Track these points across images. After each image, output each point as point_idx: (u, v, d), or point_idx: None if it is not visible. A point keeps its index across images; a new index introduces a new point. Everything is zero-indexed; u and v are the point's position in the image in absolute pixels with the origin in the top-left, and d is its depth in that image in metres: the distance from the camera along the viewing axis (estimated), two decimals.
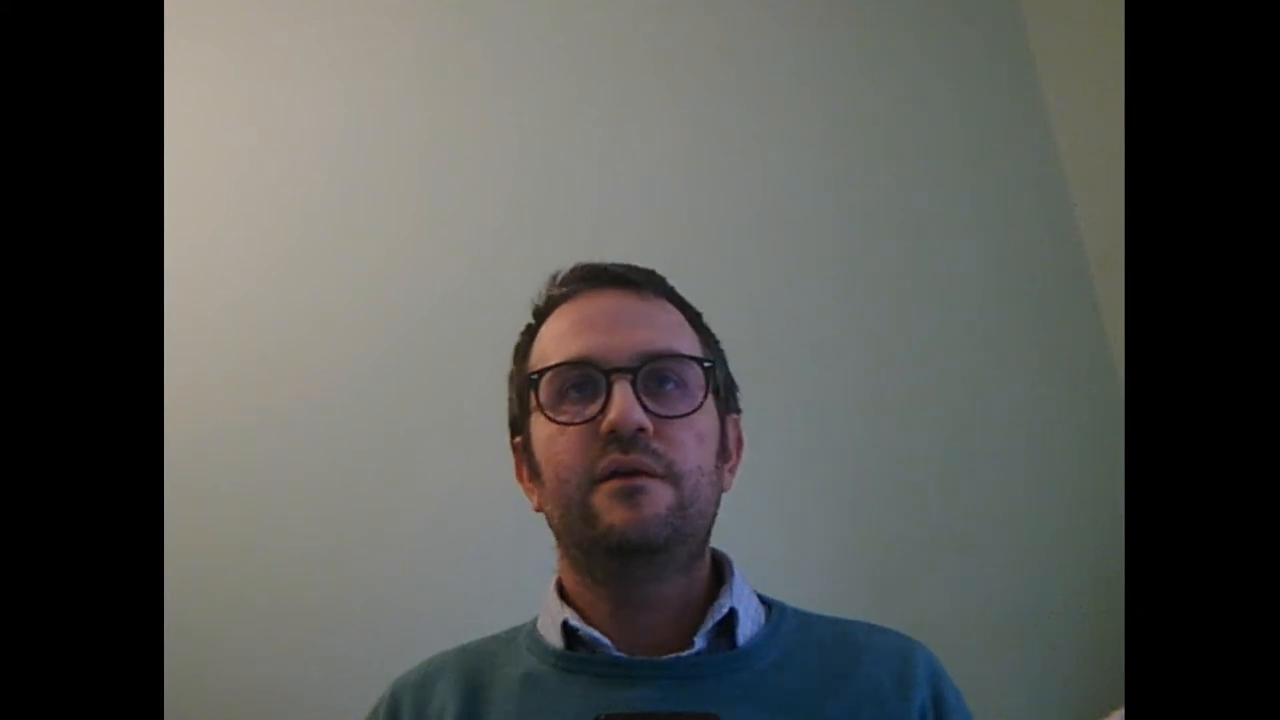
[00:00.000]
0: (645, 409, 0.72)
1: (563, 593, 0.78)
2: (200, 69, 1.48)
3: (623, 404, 0.71)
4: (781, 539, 1.36)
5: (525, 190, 1.50)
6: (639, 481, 0.70)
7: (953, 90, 1.61)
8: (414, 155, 1.51)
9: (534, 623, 0.80)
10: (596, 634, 0.73)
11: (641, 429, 0.71)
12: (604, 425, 0.71)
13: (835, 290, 1.50)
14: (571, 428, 0.73)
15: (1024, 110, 1.61)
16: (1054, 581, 1.40)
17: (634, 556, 0.71)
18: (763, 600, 0.81)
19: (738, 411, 0.83)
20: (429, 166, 1.51)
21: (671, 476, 0.71)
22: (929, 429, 1.46)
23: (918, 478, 1.44)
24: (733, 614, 0.74)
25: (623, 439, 0.70)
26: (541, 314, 0.82)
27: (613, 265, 0.81)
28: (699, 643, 0.72)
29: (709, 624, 0.73)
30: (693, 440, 0.74)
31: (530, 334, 0.82)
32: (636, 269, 0.81)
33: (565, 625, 0.74)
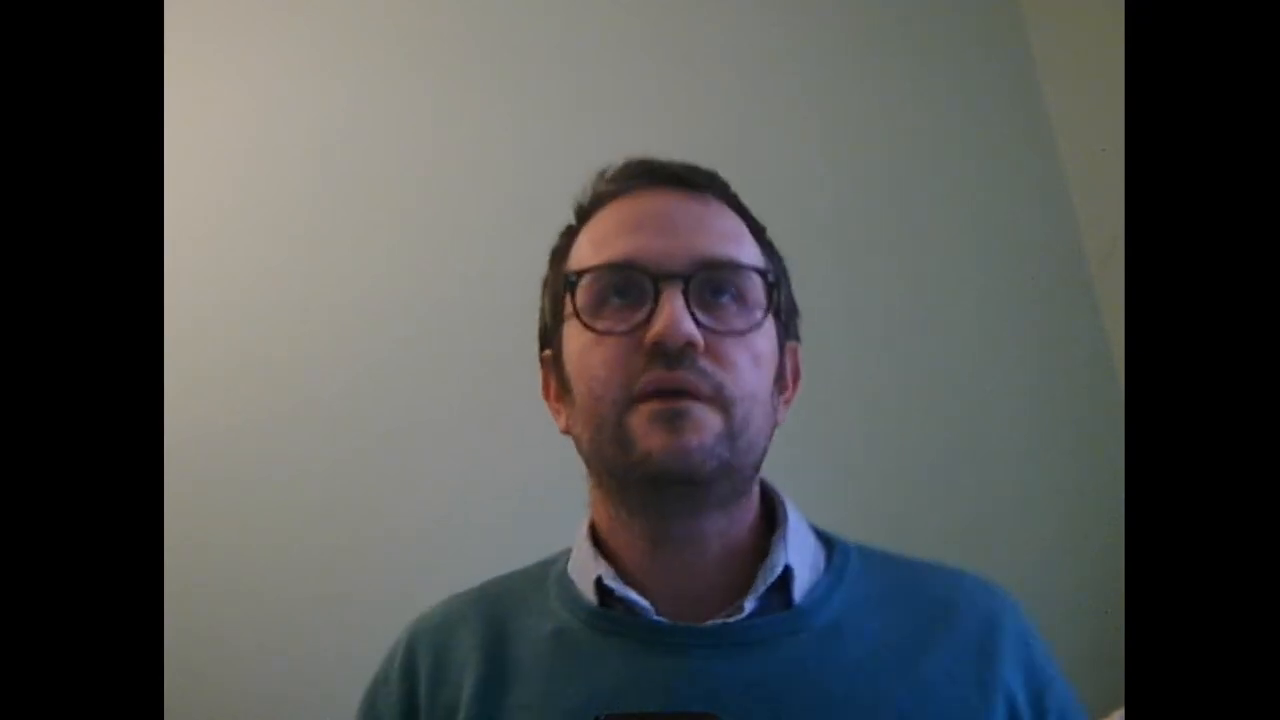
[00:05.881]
0: (697, 322, 0.63)
1: (596, 535, 0.70)
2: (200, 68, 1.48)
3: (672, 314, 0.62)
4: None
5: (527, 189, 1.50)
6: (683, 404, 0.62)
7: (953, 90, 1.61)
8: (414, 154, 1.51)
9: (565, 562, 0.72)
10: (634, 595, 0.65)
11: (691, 344, 0.62)
12: (649, 337, 0.62)
13: (834, 290, 1.50)
14: (610, 338, 0.64)
15: (1024, 110, 1.61)
16: (1054, 581, 1.40)
17: (671, 487, 0.63)
18: (820, 535, 0.73)
19: (797, 340, 0.75)
20: (429, 165, 1.51)
21: (721, 401, 0.63)
22: (928, 429, 1.46)
23: (916, 478, 1.43)
24: (788, 571, 0.66)
25: (669, 354, 0.62)
26: (585, 213, 0.73)
27: (669, 161, 0.72)
28: (748, 606, 0.64)
29: (760, 587, 0.65)
30: (748, 362, 0.65)
31: (570, 235, 0.74)
32: (697, 168, 0.72)
33: (599, 582, 0.67)
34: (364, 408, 1.40)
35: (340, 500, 1.36)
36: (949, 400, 1.47)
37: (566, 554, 0.73)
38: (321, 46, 1.54)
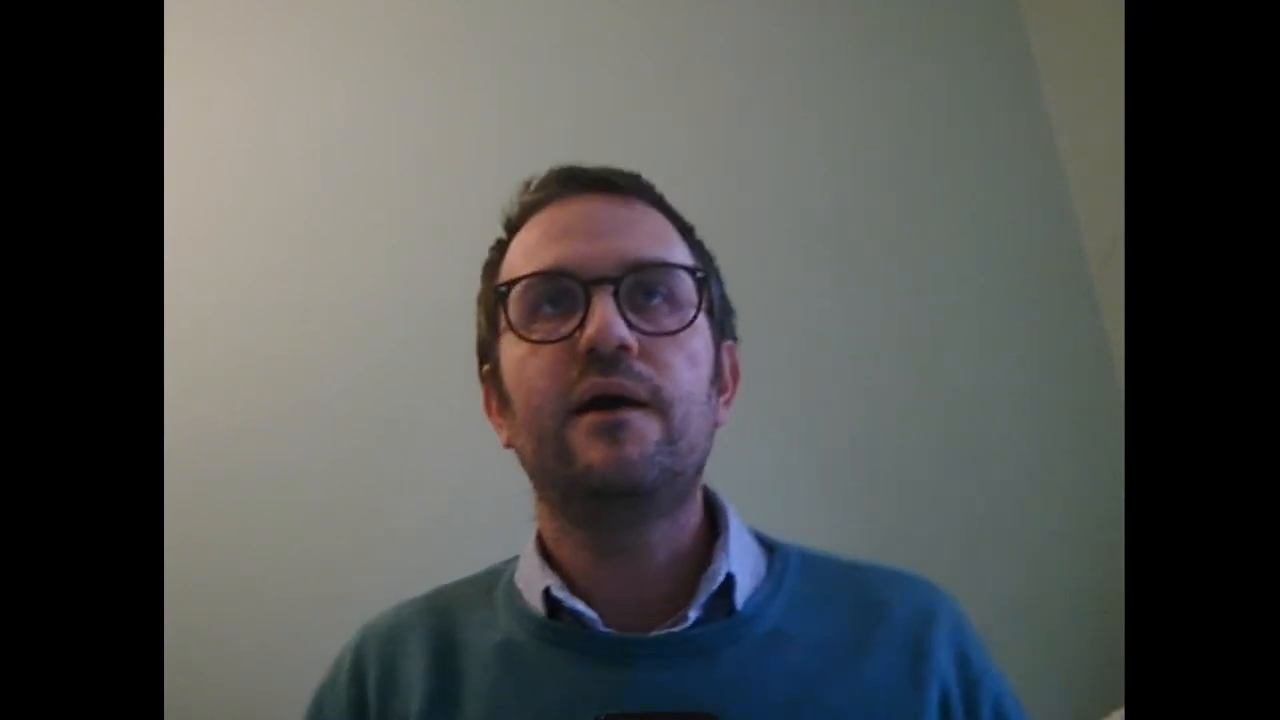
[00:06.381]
0: (630, 324, 0.64)
1: (544, 547, 0.71)
2: (200, 68, 1.48)
3: (603, 318, 0.63)
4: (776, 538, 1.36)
5: None
6: (621, 415, 0.62)
7: (953, 90, 1.61)
8: (414, 154, 1.51)
9: (513, 571, 0.72)
10: (581, 606, 0.66)
11: (624, 346, 0.63)
12: (582, 343, 0.63)
13: (833, 291, 1.50)
14: (545, 347, 0.65)
15: (1024, 110, 1.61)
16: (1054, 581, 1.40)
17: (615, 499, 0.64)
18: (763, 541, 0.74)
19: (734, 339, 0.76)
20: (430, 166, 1.51)
21: (658, 404, 0.63)
22: (927, 429, 1.46)
23: (916, 478, 1.43)
24: (729, 579, 0.67)
25: (603, 359, 0.63)
26: (513, 226, 0.74)
27: (593, 168, 0.73)
28: (692, 615, 0.65)
29: (702, 596, 0.65)
30: (683, 362, 0.65)
31: (501, 249, 0.74)
32: (620, 172, 0.73)
33: (547, 593, 0.67)
34: (364, 408, 1.40)
35: (340, 500, 1.36)
36: (949, 400, 1.47)
37: (511, 563, 0.73)
38: (321, 46, 1.54)
